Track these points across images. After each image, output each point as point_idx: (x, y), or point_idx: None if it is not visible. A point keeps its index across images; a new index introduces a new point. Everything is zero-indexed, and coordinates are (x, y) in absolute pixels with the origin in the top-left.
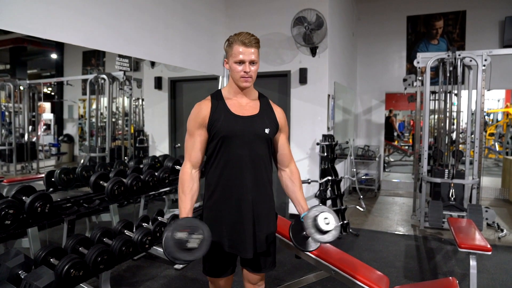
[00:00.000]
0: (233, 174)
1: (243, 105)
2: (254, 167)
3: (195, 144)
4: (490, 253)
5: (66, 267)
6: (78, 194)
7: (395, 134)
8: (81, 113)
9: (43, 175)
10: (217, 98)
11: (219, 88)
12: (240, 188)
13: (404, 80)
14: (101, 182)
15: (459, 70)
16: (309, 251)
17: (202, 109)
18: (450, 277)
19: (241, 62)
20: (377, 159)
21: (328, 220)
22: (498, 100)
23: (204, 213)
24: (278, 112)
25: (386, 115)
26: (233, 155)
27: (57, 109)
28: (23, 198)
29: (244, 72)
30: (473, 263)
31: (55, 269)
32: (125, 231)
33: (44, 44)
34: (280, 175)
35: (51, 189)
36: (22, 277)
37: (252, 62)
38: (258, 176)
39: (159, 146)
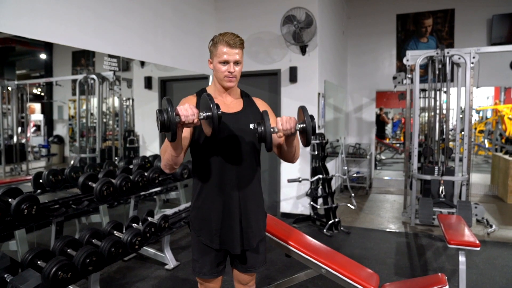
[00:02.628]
0: (219, 171)
1: (228, 103)
2: (241, 164)
3: None
4: (478, 248)
5: (54, 269)
6: (67, 196)
7: (386, 129)
8: (71, 114)
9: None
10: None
11: None
12: (227, 185)
13: (394, 78)
14: (89, 183)
15: (448, 67)
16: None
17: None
18: (439, 273)
19: (226, 62)
20: (368, 157)
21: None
22: (487, 98)
23: (193, 212)
24: (259, 103)
25: (377, 113)
26: (219, 152)
27: (46, 110)
28: (9, 200)
29: (229, 72)
30: (462, 259)
31: (43, 271)
32: (115, 232)
33: (33, 44)
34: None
35: (39, 190)
36: (8, 280)
37: (236, 63)
38: (245, 172)
39: (150, 146)
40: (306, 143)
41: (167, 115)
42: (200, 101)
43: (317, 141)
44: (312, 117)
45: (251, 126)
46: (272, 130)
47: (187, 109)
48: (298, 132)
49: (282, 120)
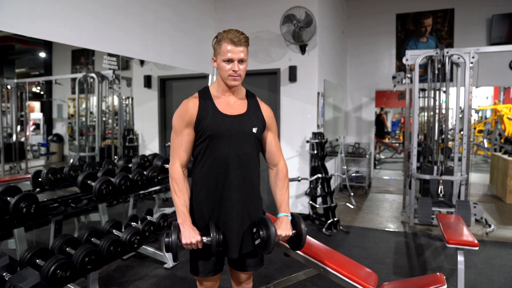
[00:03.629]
0: (219, 173)
1: (231, 103)
2: (241, 167)
3: (182, 143)
4: (477, 248)
5: (53, 268)
6: (66, 194)
7: (386, 130)
8: (71, 113)
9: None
10: (205, 97)
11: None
12: (226, 188)
13: (393, 77)
14: (88, 181)
15: (447, 67)
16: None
17: (190, 108)
18: (438, 273)
19: (230, 61)
20: (367, 156)
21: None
22: (487, 97)
23: (191, 213)
24: (265, 110)
25: (377, 112)
26: (220, 154)
27: (46, 109)
28: (8, 198)
29: (233, 71)
30: (460, 258)
31: (41, 270)
32: (114, 230)
33: (33, 43)
34: (269, 173)
35: (38, 189)
36: (7, 279)
37: (241, 61)
38: (245, 175)
39: (149, 145)
40: (294, 248)
41: (171, 241)
42: (203, 213)
43: (316, 141)
44: (304, 228)
45: (254, 130)
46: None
47: (190, 239)
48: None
49: (281, 227)
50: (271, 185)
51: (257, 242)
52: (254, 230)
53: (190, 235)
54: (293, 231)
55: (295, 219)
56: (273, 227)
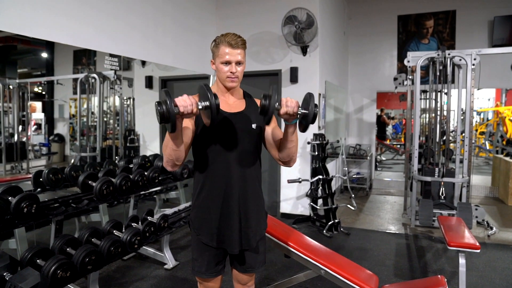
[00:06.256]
0: (220, 171)
1: (230, 103)
2: (242, 163)
3: None
4: (479, 251)
5: (53, 268)
6: (66, 194)
7: (387, 130)
8: (72, 113)
9: None
10: None
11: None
12: (227, 185)
13: (395, 79)
14: (89, 182)
15: (449, 69)
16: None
17: None
18: (439, 275)
19: (228, 63)
20: (368, 158)
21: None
22: (489, 99)
23: (193, 212)
24: None
25: (378, 113)
26: (221, 152)
27: (47, 109)
28: (9, 198)
29: (231, 72)
30: (462, 261)
31: (42, 270)
32: (114, 231)
33: (35, 43)
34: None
35: (39, 189)
36: (7, 278)
37: (238, 63)
38: (246, 172)
39: (150, 145)
40: (303, 129)
41: (166, 106)
42: (198, 91)
43: (318, 142)
44: (316, 106)
45: (253, 126)
46: (276, 105)
47: (185, 99)
48: (298, 122)
49: (288, 99)
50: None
51: (259, 109)
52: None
53: (185, 97)
54: (302, 110)
55: (306, 96)
56: (276, 97)
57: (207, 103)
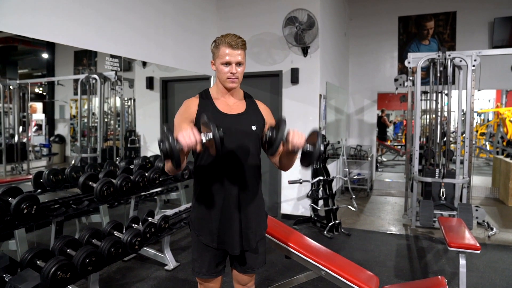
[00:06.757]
0: (220, 172)
1: (230, 104)
2: (242, 165)
3: None
4: (479, 251)
5: (53, 269)
6: (67, 195)
7: (388, 131)
8: (73, 114)
9: None
10: (205, 97)
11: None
12: (227, 186)
13: (395, 80)
14: (90, 182)
15: (450, 70)
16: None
17: (190, 106)
18: (439, 276)
19: (228, 64)
20: (369, 158)
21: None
22: (489, 100)
23: (193, 212)
24: (263, 108)
25: (379, 114)
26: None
27: (48, 109)
28: (9, 199)
29: (231, 73)
30: (462, 261)
31: (42, 271)
32: (115, 232)
33: (35, 44)
34: (277, 159)
35: (39, 190)
36: (7, 280)
37: (238, 64)
38: (246, 173)
39: (151, 146)
40: (306, 165)
41: (168, 144)
42: (200, 121)
43: None
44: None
45: (254, 128)
46: (283, 139)
47: (189, 135)
48: (301, 155)
49: (295, 134)
50: (280, 158)
51: (264, 139)
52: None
53: (187, 132)
54: (308, 148)
55: (312, 131)
56: (285, 130)
57: (211, 137)
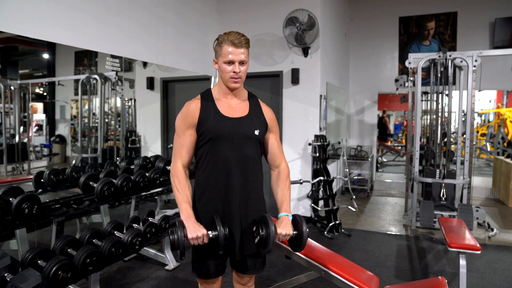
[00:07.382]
0: (221, 176)
1: (233, 106)
2: (243, 169)
3: (184, 144)
4: (479, 252)
5: (54, 268)
6: (68, 195)
7: (388, 133)
8: (74, 114)
9: None
10: (207, 98)
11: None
12: (228, 189)
13: (396, 80)
14: (90, 183)
15: (450, 70)
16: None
17: (192, 109)
18: (439, 277)
19: (231, 63)
20: (369, 159)
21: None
22: (490, 101)
23: (194, 214)
24: (267, 112)
25: (380, 115)
26: (222, 157)
27: (49, 110)
28: (10, 199)
29: (234, 72)
30: (462, 262)
31: (43, 271)
32: (115, 232)
33: (36, 44)
34: (271, 175)
35: (40, 190)
36: (8, 279)
37: (241, 63)
38: (248, 177)
39: (151, 146)
40: (294, 248)
41: (177, 237)
42: (207, 215)
43: (319, 143)
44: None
45: (256, 132)
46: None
47: (196, 233)
48: (290, 239)
49: (282, 228)
50: (273, 186)
51: (256, 240)
52: (254, 228)
53: (195, 229)
54: (294, 232)
55: (297, 219)
56: (273, 225)
57: (216, 234)
